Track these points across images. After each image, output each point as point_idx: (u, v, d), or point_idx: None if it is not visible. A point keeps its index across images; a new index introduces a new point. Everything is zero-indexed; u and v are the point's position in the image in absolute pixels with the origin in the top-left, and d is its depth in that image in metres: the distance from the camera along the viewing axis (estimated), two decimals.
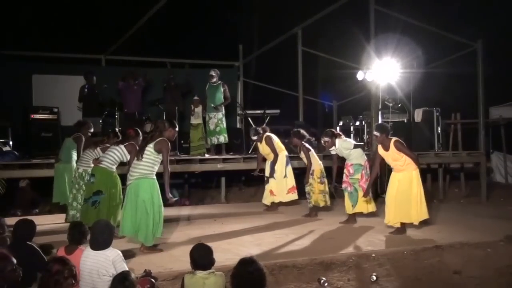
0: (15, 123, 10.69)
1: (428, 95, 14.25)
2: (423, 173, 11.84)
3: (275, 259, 5.76)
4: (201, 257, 3.91)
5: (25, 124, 10.37)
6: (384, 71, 10.89)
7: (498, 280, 5.20)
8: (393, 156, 7.03)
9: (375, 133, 7.22)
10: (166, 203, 6.32)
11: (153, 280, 4.53)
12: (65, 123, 10.73)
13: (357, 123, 12.50)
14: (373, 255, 6.02)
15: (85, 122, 8.55)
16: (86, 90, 10.44)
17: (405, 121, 12.04)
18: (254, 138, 9.27)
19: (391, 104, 11.47)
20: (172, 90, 10.64)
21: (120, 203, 6.88)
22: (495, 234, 6.99)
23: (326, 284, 4.97)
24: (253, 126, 10.04)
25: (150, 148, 6.04)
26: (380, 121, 11.30)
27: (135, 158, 6.13)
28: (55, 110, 10.47)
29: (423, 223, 7.31)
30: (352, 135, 12.25)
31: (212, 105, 10.28)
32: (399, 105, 11.94)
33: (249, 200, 11.22)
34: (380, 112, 11.35)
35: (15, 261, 3.53)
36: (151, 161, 6.02)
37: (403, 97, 12.13)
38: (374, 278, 5.11)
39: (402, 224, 7.20)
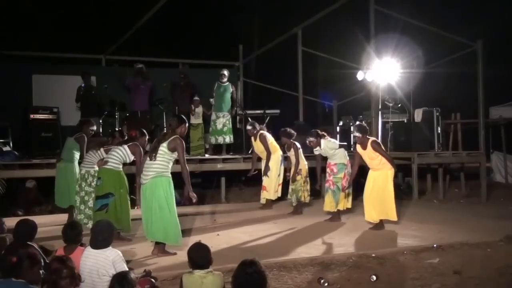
0: (15, 123, 10.68)
1: (428, 95, 14.25)
2: (423, 173, 11.90)
3: (275, 259, 5.75)
4: (199, 256, 3.91)
5: (25, 124, 10.38)
6: (384, 71, 10.89)
7: (498, 280, 5.19)
8: (370, 155, 7.43)
9: (356, 134, 7.57)
10: (183, 203, 6.30)
11: (153, 280, 4.53)
12: (65, 123, 10.75)
13: (357, 123, 12.48)
14: (373, 255, 6.02)
15: (87, 121, 8.50)
16: (82, 90, 10.43)
17: (405, 121, 12.05)
18: (248, 128, 9.44)
19: (391, 104, 11.48)
20: (180, 89, 10.62)
21: (129, 203, 6.87)
22: (495, 234, 6.99)
23: (326, 284, 4.97)
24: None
25: (163, 147, 5.97)
26: (380, 121, 11.34)
27: (148, 158, 6.07)
28: (55, 110, 10.48)
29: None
30: (352, 135, 12.25)
31: (223, 105, 10.39)
32: (399, 105, 11.95)
33: (249, 200, 11.21)
34: (380, 112, 11.35)
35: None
36: (165, 160, 5.96)
37: (403, 97, 12.13)
38: (374, 278, 5.11)
39: (380, 220, 7.51)
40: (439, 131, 11.85)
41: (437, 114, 11.81)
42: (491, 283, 5.13)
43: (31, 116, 10.22)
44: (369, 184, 7.54)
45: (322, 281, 5.00)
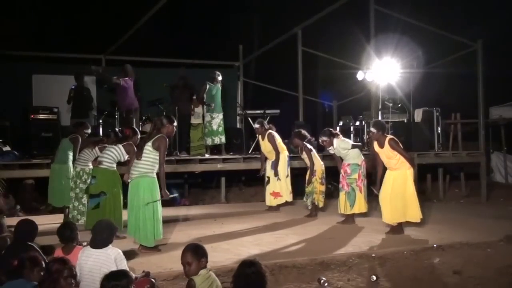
0: (15, 123, 10.69)
1: (428, 95, 14.25)
2: (423, 173, 11.90)
3: (275, 259, 5.75)
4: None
5: (25, 124, 10.38)
6: (384, 71, 10.89)
7: (498, 280, 5.20)
8: (387, 153, 7.06)
9: (372, 129, 7.19)
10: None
11: (153, 280, 4.54)
12: (65, 123, 10.75)
13: (357, 123, 12.50)
14: (373, 255, 6.01)
15: (82, 123, 8.54)
16: (73, 91, 10.35)
17: (405, 121, 12.05)
18: (256, 126, 9.35)
19: (391, 104, 11.48)
20: (179, 91, 10.61)
21: (122, 202, 6.90)
22: (495, 234, 6.99)
23: (326, 284, 4.97)
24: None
25: (148, 146, 6.03)
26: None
27: (135, 158, 6.12)
28: (55, 110, 10.48)
29: (419, 223, 7.32)
30: (352, 135, 12.26)
31: (213, 105, 10.32)
32: (399, 105, 11.95)
33: (249, 200, 11.23)
34: (380, 112, 11.36)
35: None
36: (150, 159, 6.01)
37: (403, 97, 12.13)
38: (374, 278, 5.11)
39: (399, 223, 7.18)
40: (439, 131, 11.85)
41: (437, 114, 11.80)
42: (491, 283, 5.13)
43: (31, 116, 10.23)
44: (388, 184, 7.12)
45: (322, 281, 5.00)
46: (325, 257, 5.92)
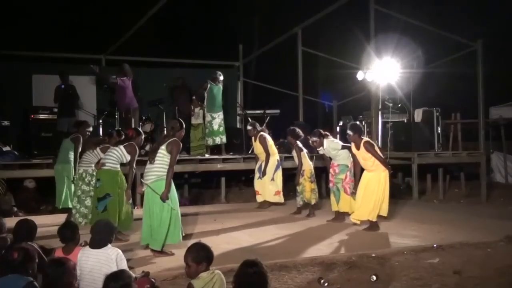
0: (15, 123, 10.69)
1: (428, 95, 14.25)
2: (423, 173, 11.89)
3: (275, 259, 5.75)
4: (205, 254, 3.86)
5: (25, 124, 10.38)
6: (384, 71, 10.88)
7: (498, 280, 5.19)
8: (363, 155, 7.37)
9: (349, 132, 7.51)
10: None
11: (153, 280, 4.54)
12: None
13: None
14: (373, 255, 6.01)
15: (83, 122, 8.51)
16: (61, 90, 10.33)
17: (405, 121, 12.05)
18: (249, 128, 9.49)
19: (391, 104, 11.47)
20: (179, 90, 10.60)
21: (126, 202, 6.88)
22: (495, 234, 6.99)
23: (326, 284, 4.97)
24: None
25: (162, 149, 5.97)
26: (380, 121, 11.33)
27: (148, 161, 6.07)
28: (55, 110, 10.48)
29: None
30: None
31: (217, 106, 10.41)
32: (399, 105, 11.95)
33: (249, 200, 11.19)
34: (380, 112, 11.35)
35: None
36: (165, 162, 5.94)
37: (403, 97, 12.12)
38: (374, 278, 5.10)
39: (374, 220, 7.42)
40: (439, 131, 11.85)
41: (437, 114, 11.81)
42: (491, 283, 5.12)
43: (31, 116, 10.25)
44: (363, 185, 7.39)
45: (322, 281, 5.00)
46: (325, 257, 5.92)
